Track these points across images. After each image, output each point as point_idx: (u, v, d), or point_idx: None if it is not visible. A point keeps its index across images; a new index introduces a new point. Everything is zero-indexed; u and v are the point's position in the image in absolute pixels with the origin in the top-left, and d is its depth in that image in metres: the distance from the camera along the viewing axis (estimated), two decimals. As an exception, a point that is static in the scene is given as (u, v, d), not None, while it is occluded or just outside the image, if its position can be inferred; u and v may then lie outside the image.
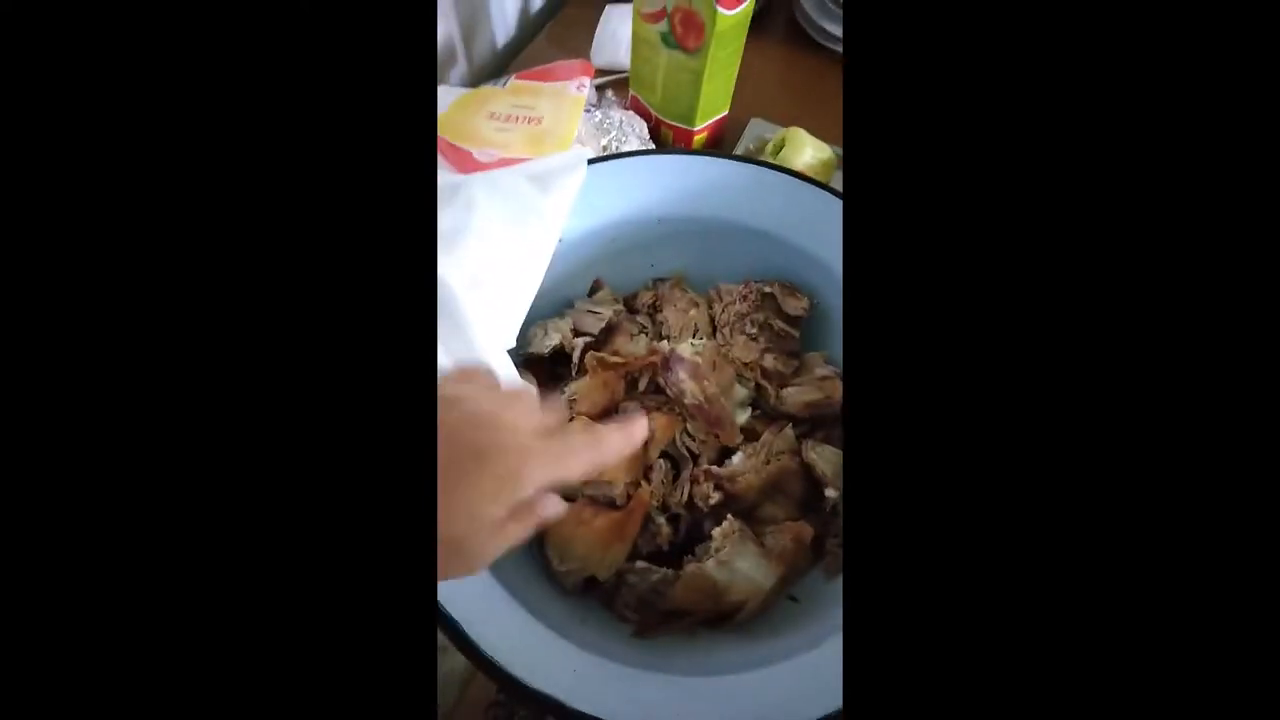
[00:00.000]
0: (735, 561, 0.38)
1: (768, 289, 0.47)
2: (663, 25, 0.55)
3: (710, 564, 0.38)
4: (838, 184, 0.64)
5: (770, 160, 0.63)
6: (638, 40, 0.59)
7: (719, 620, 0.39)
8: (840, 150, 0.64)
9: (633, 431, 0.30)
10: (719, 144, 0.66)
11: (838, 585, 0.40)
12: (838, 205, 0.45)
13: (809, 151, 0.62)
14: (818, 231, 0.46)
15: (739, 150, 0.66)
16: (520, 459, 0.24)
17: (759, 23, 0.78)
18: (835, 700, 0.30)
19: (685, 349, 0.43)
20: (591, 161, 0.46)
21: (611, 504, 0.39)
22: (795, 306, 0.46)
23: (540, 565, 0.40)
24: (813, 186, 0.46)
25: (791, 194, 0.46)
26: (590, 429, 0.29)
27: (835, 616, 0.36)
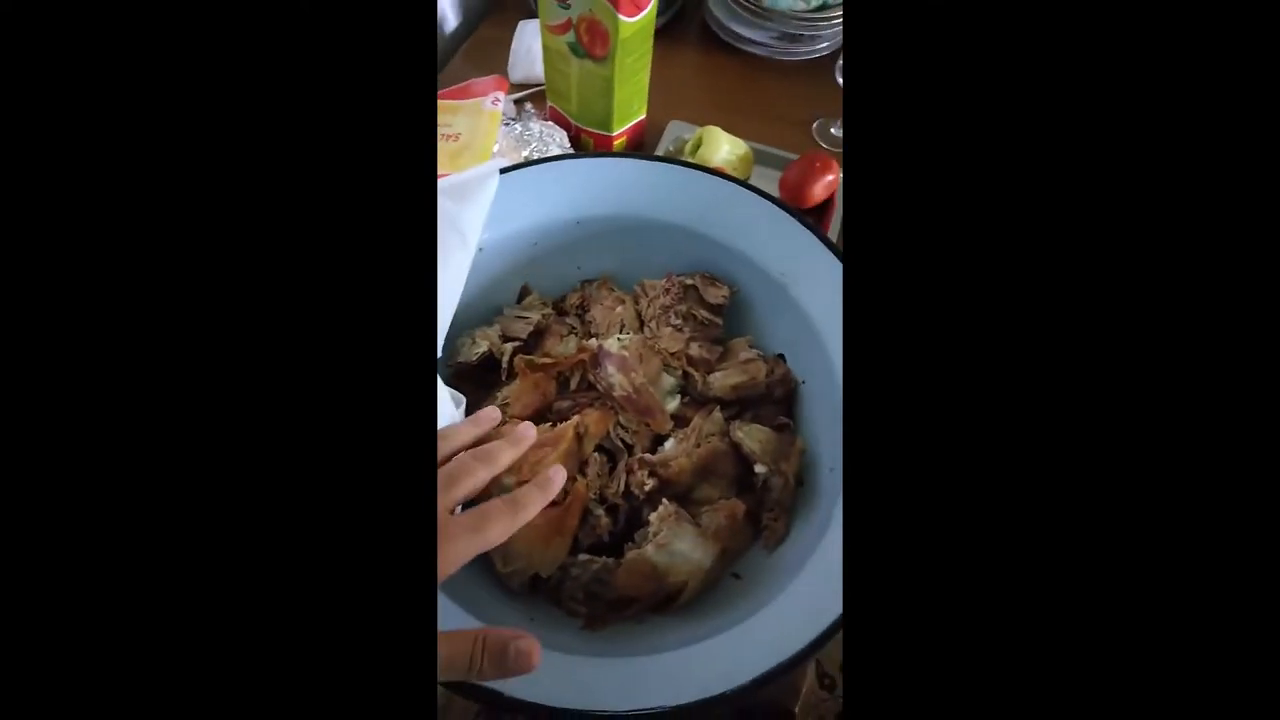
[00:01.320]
0: (674, 543, 0.39)
1: (689, 281, 0.49)
2: (569, 36, 0.57)
3: (650, 548, 0.39)
4: (757, 177, 0.67)
5: (689, 158, 0.65)
6: (548, 51, 0.60)
7: (665, 603, 0.40)
8: (756, 145, 0.67)
9: (549, 486, 0.34)
10: (640, 147, 0.68)
11: (777, 559, 0.41)
12: (748, 195, 0.47)
13: (725, 148, 0.65)
14: (731, 223, 0.48)
15: (659, 152, 0.68)
16: (439, 542, 0.26)
17: (673, 28, 0.81)
18: (770, 660, 0.32)
19: (612, 344, 0.44)
20: (507, 170, 0.47)
21: (549, 501, 0.40)
22: (716, 295, 0.48)
23: (485, 570, 0.40)
24: (723, 180, 0.48)
25: (704, 189, 0.48)
26: (509, 501, 0.32)
27: (774, 588, 0.38)
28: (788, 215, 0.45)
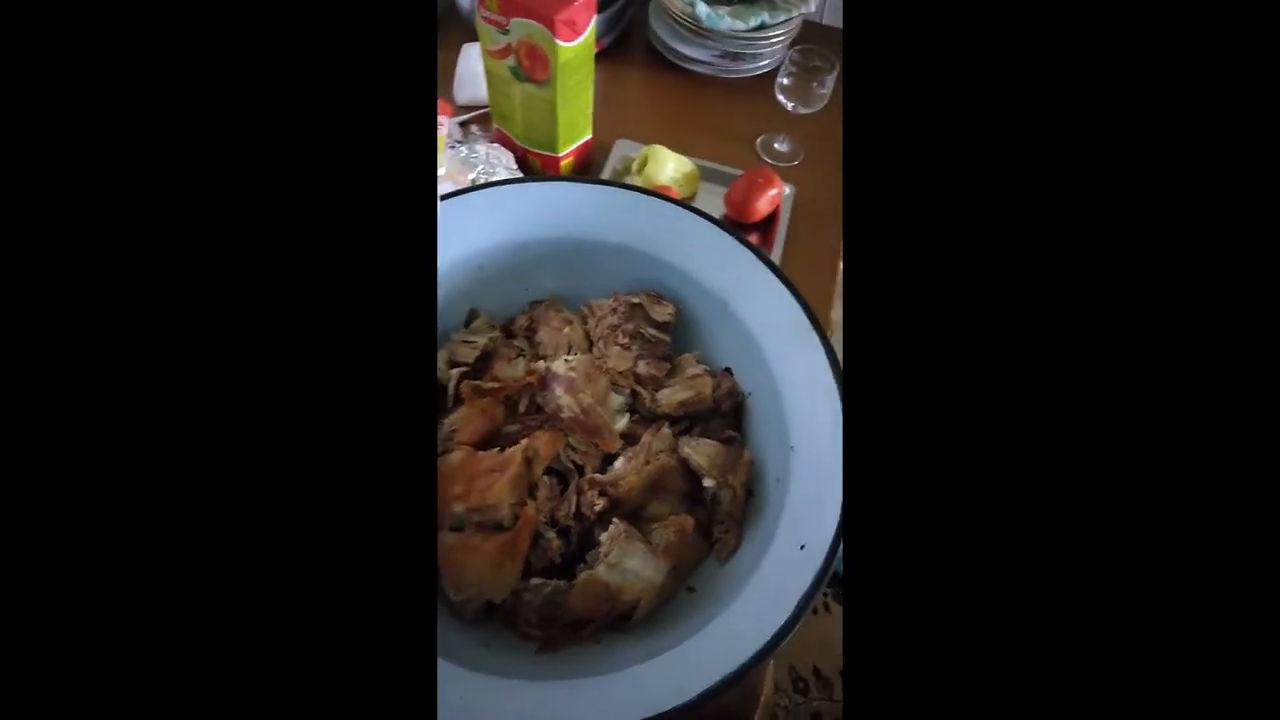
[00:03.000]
0: (625, 562, 0.40)
1: (635, 300, 0.49)
2: (510, 60, 0.57)
3: (601, 568, 0.39)
4: (704, 193, 0.68)
5: (635, 177, 0.66)
6: (491, 75, 0.61)
7: (621, 622, 0.40)
8: (702, 162, 0.69)
9: None
10: (587, 166, 0.69)
11: (730, 570, 0.42)
12: (689, 216, 0.48)
13: (671, 166, 0.66)
14: (674, 242, 0.49)
15: (607, 170, 0.69)
16: None
17: (618, 48, 0.83)
18: (718, 673, 0.32)
19: (559, 365, 0.45)
20: (449, 196, 0.47)
21: (499, 526, 0.40)
22: (662, 313, 0.49)
23: (438, 599, 0.40)
24: (665, 202, 0.49)
25: (647, 210, 0.49)
26: None
27: (725, 599, 0.38)
28: (726, 234, 0.47)
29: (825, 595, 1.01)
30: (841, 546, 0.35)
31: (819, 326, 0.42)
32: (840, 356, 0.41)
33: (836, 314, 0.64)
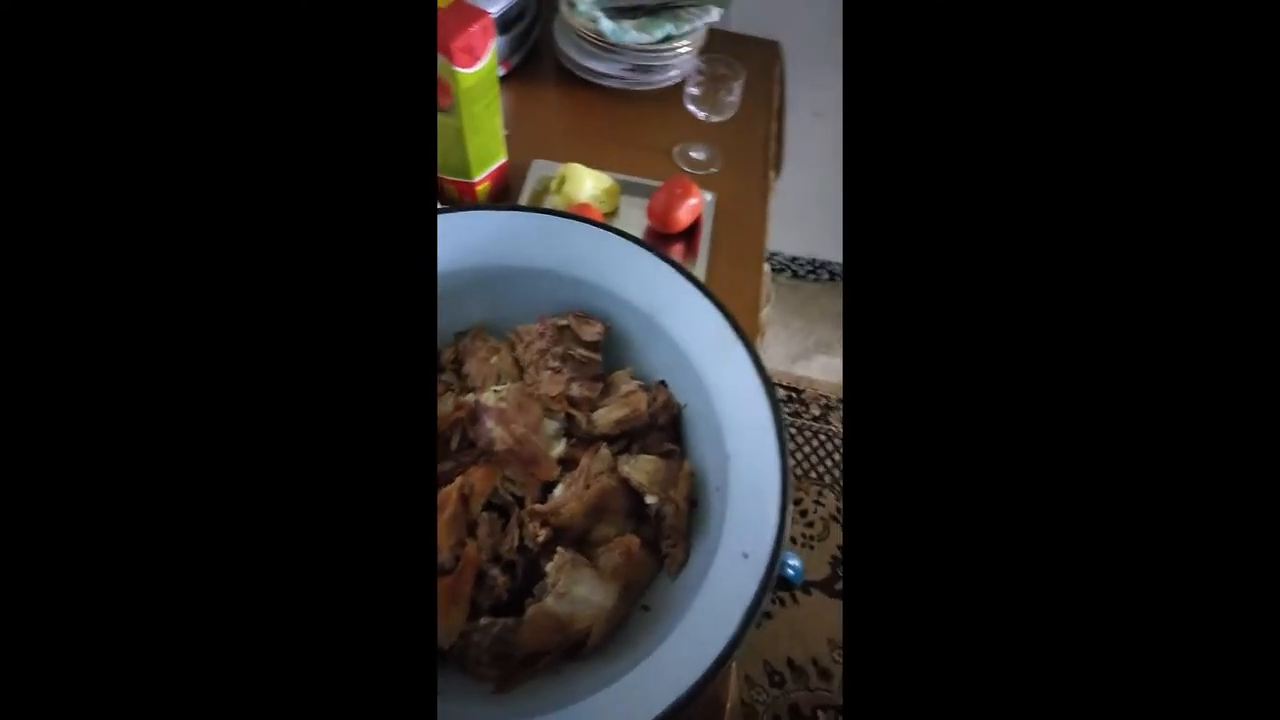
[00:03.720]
0: (573, 590, 0.39)
1: (563, 322, 0.49)
2: (412, 90, 0.56)
3: (550, 599, 0.39)
4: (626, 207, 0.69)
5: (554, 197, 0.66)
6: (396, 106, 0.59)
7: (576, 650, 0.40)
8: (621, 177, 0.69)
9: None
10: (505, 190, 0.68)
11: (681, 584, 0.42)
12: (606, 235, 0.48)
13: (589, 183, 0.66)
14: (596, 262, 0.49)
15: (525, 192, 0.68)
16: None
17: (528, 68, 0.82)
18: (671, 696, 0.32)
19: (489, 397, 0.44)
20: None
21: (440, 570, 0.39)
22: (591, 333, 0.49)
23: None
24: (582, 223, 0.49)
25: (565, 232, 0.49)
26: None
27: (677, 616, 0.38)
28: (645, 251, 0.47)
29: (791, 592, 1.03)
30: (784, 551, 0.36)
31: (743, 334, 0.43)
32: (764, 362, 0.42)
33: (765, 315, 0.65)
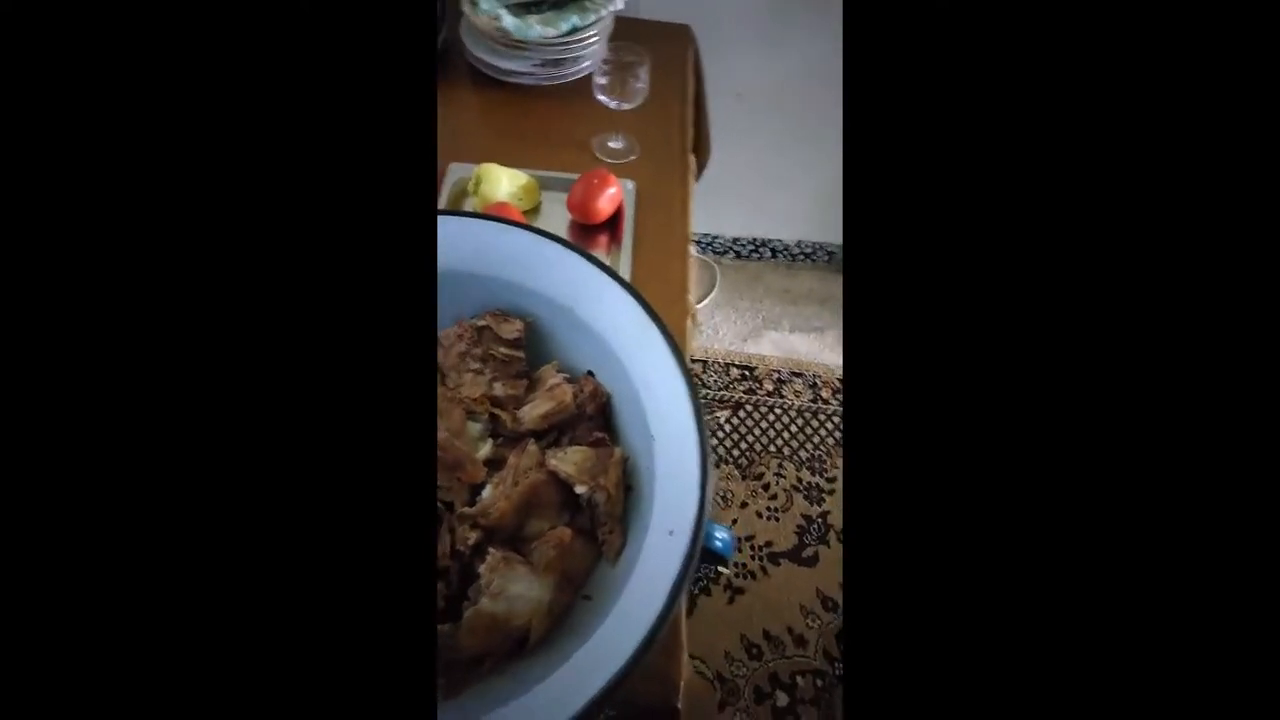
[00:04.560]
0: (508, 588, 0.39)
1: (481, 323, 0.49)
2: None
3: (485, 600, 0.39)
4: (547, 203, 0.69)
5: (472, 198, 0.65)
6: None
7: (520, 648, 0.40)
8: (539, 173, 0.69)
9: None
10: (423, 196, 0.67)
11: (621, 569, 0.42)
12: (517, 231, 0.48)
13: (505, 182, 0.65)
14: (512, 260, 0.49)
15: (444, 195, 0.67)
16: None
17: (440, 72, 0.81)
18: (604, 678, 0.33)
19: (410, 407, 0.44)
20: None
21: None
22: (511, 330, 0.49)
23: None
24: (494, 222, 0.49)
25: (478, 233, 0.49)
26: None
27: (615, 598, 0.38)
28: (557, 244, 0.47)
29: (756, 563, 1.04)
30: (709, 525, 0.37)
31: (656, 318, 0.43)
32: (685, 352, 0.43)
33: (693, 298, 0.66)
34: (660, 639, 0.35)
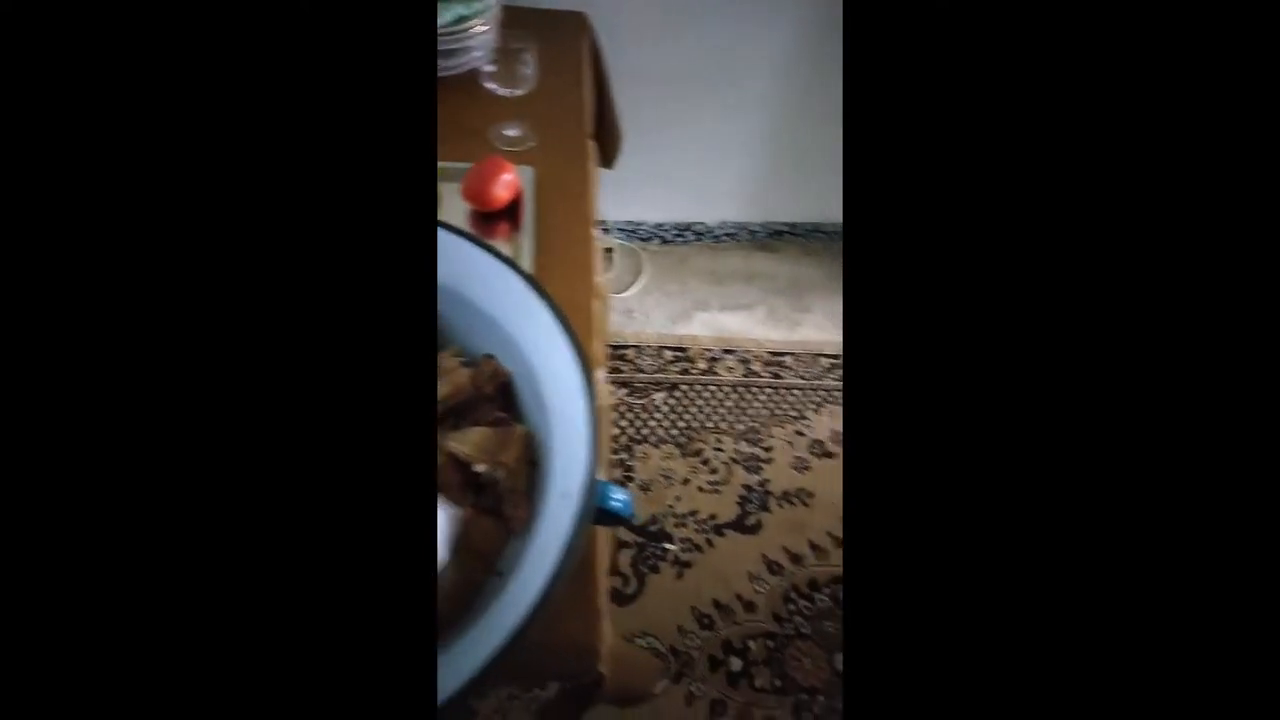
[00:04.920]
0: (411, 572, 0.39)
1: (373, 315, 0.48)
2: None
3: (388, 587, 0.39)
4: (446, 194, 0.68)
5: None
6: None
7: (431, 631, 0.40)
8: (439, 164, 0.68)
9: None
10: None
11: (529, 543, 0.43)
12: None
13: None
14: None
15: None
16: None
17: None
18: (496, 642, 0.33)
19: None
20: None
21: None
22: (404, 320, 0.48)
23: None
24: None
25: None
26: None
27: (523, 572, 0.39)
28: (441, 229, 0.47)
29: (698, 539, 1.07)
30: (602, 486, 0.38)
31: (541, 290, 0.44)
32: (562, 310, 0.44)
33: (600, 279, 0.67)
34: (566, 608, 0.35)
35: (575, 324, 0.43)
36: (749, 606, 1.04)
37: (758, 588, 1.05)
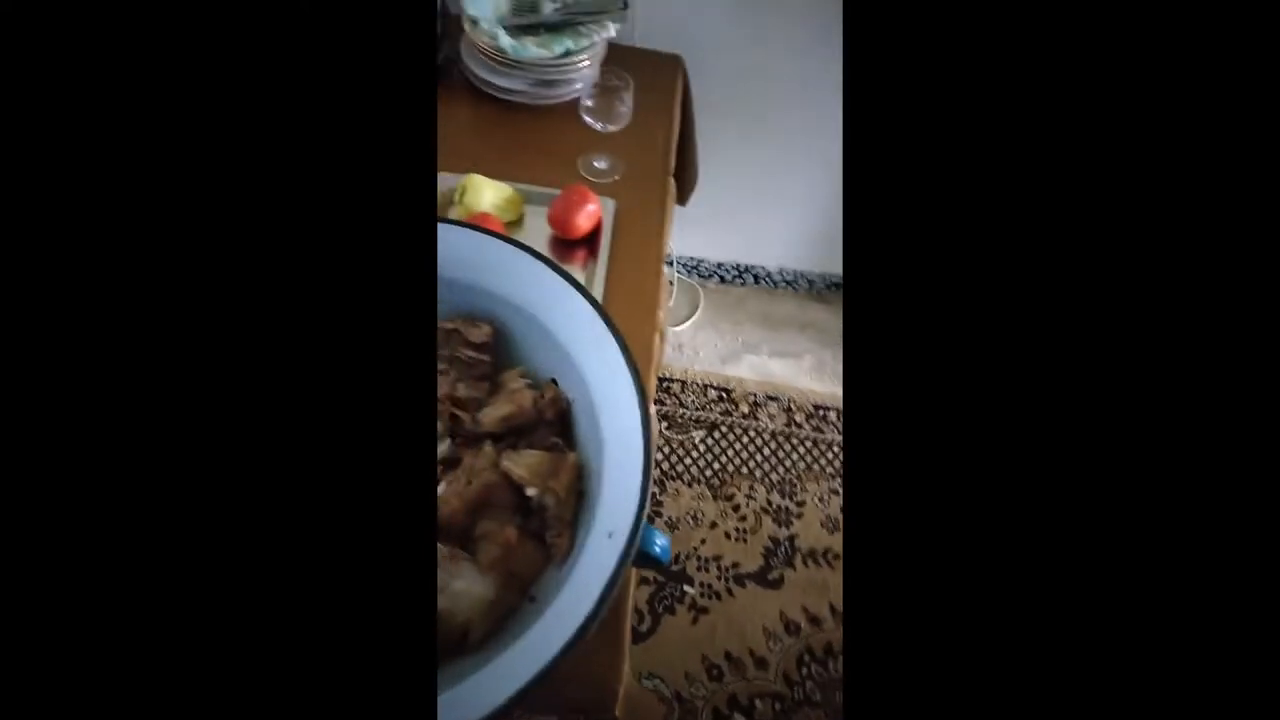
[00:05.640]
0: (452, 584, 0.40)
1: (450, 326, 0.50)
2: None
3: (429, 595, 0.40)
4: (530, 216, 0.71)
5: (457, 207, 0.67)
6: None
7: (460, 644, 0.41)
8: (524, 186, 0.71)
9: None
10: (408, 202, 0.69)
11: (567, 573, 0.43)
12: (490, 240, 0.50)
13: (489, 193, 0.68)
14: (482, 266, 0.51)
15: (429, 204, 0.69)
16: None
17: (440, 86, 0.84)
18: (526, 676, 0.33)
19: (372, 402, 0.45)
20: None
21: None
22: (479, 334, 0.50)
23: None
24: (469, 230, 0.51)
25: (452, 239, 0.51)
26: None
27: (559, 603, 0.39)
28: (524, 253, 0.49)
29: (715, 585, 1.05)
30: (648, 530, 0.38)
31: (612, 325, 0.45)
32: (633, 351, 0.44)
33: (663, 314, 0.68)
34: (594, 643, 0.35)
35: (636, 358, 0.44)
36: (760, 663, 1.01)
37: (772, 645, 1.02)
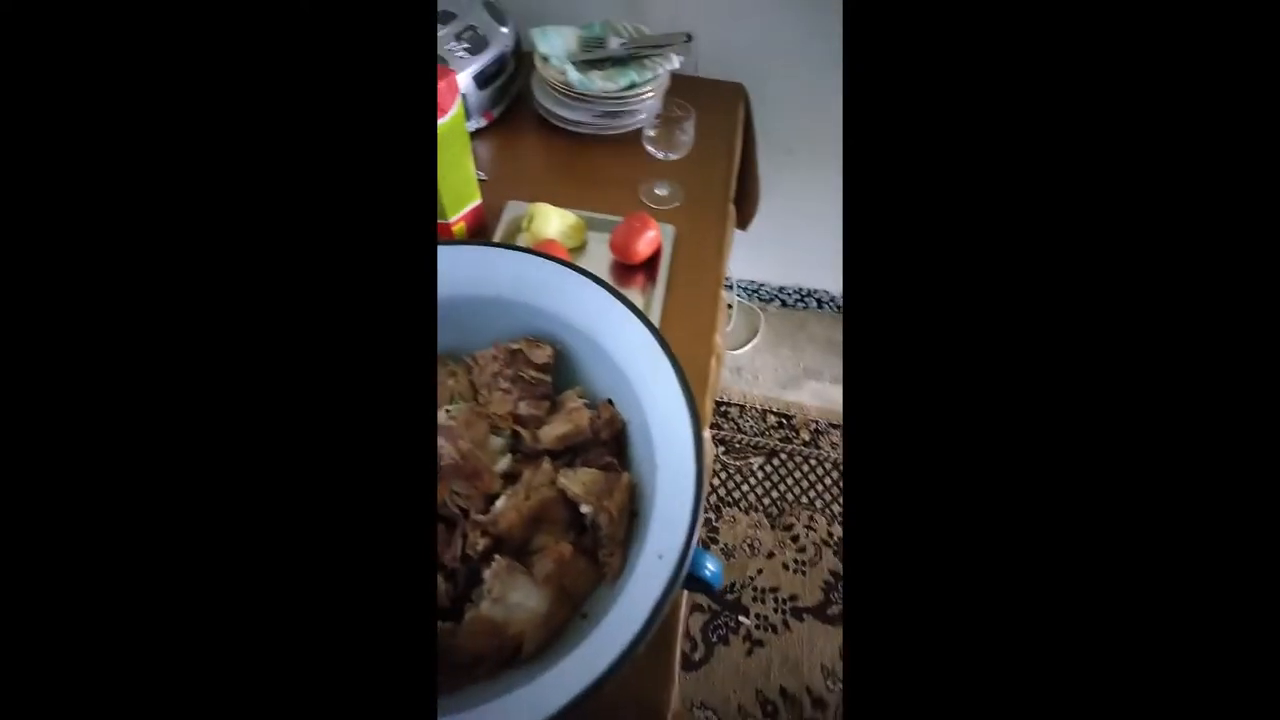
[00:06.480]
0: (509, 596, 0.41)
1: (515, 346, 0.53)
2: (385, 142, 0.62)
3: (485, 605, 0.41)
4: (593, 242, 0.73)
5: (525, 234, 0.71)
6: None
7: (513, 656, 0.42)
8: (587, 214, 0.74)
9: None
10: (481, 228, 0.73)
11: (618, 591, 0.44)
12: (552, 265, 0.52)
13: (555, 221, 0.71)
14: (545, 290, 0.53)
15: (499, 230, 0.73)
16: None
17: (511, 116, 0.89)
18: (574, 691, 0.34)
19: (440, 416, 0.47)
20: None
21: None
22: (541, 355, 0.52)
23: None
24: (532, 256, 0.53)
25: (517, 264, 0.53)
26: None
27: (609, 620, 0.40)
28: (585, 277, 0.51)
29: (770, 616, 1.01)
30: (695, 550, 0.38)
31: (667, 348, 0.46)
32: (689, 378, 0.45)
33: (719, 339, 0.68)
34: (644, 664, 0.36)
35: (692, 381, 0.45)
36: (819, 703, 0.97)
37: (830, 685, 0.98)
